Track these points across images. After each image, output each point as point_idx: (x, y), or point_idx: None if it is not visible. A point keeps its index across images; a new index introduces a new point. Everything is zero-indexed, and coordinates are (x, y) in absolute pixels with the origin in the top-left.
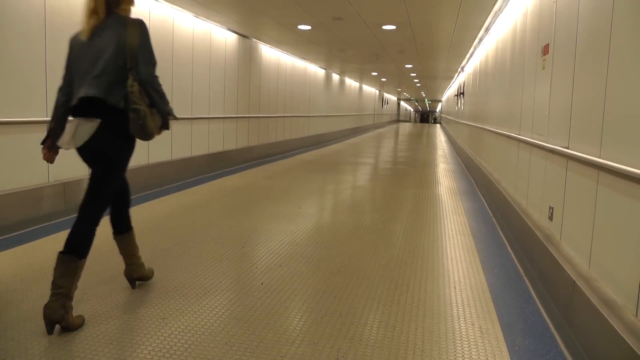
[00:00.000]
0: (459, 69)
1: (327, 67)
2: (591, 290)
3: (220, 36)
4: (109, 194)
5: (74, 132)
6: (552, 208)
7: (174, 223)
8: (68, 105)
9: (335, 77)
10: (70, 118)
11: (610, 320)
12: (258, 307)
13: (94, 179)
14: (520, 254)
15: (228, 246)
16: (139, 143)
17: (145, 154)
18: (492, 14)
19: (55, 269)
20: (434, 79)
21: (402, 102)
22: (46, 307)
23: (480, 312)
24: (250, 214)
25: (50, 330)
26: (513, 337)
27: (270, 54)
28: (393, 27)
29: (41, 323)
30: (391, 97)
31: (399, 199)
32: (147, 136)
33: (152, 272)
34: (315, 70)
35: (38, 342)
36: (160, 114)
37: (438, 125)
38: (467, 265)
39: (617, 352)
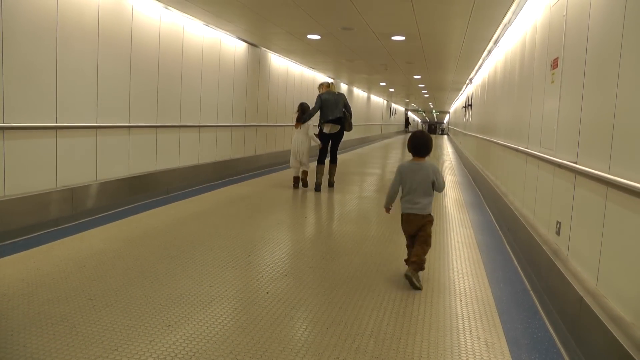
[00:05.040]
0: (467, 81)
1: (336, 76)
2: (599, 306)
3: (230, 44)
4: (338, 148)
5: (331, 127)
6: (560, 223)
7: (181, 230)
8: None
9: (344, 86)
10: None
11: (618, 338)
12: (263, 316)
13: (334, 146)
14: (527, 268)
15: (234, 255)
16: (149, 153)
17: (152, 160)
18: (501, 26)
19: (317, 173)
20: (442, 90)
21: (409, 113)
22: (316, 184)
23: (486, 326)
24: (256, 222)
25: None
26: (519, 352)
27: (279, 63)
28: (402, 37)
29: (46, 327)
30: (399, 108)
31: None
32: (350, 129)
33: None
34: (324, 80)
35: (44, 347)
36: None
37: (445, 136)
38: (473, 278)
39: None
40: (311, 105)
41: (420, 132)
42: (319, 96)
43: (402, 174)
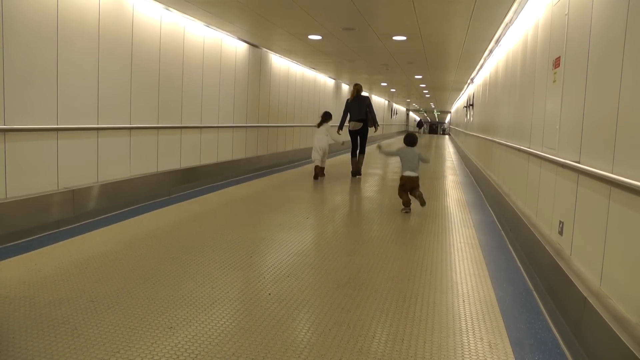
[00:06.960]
0: (469, 81)
1: (337, 77)
2: (602, 306)
3: (231, 45)
4: (366, 142)
5: (355, 125)
6: (563, 222)
7: (182, 232)
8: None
9: (345, 87)
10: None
11: (622, 338)
12: (266, 317)
13: (361, 140)
14: (530, 268)
15: (236, 256)
16: (151, 155)
17: (154, 162)
18: (502, 25)
19: (352, 163)
20: (444, 90)
21: (410, 113)
22: (353, 171)
23: (489, 327)
24: (258, 223)
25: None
26: (522, 352)
27: (280, 64)
28: (403, 38)
29: (48, 329)
30: (400, 108)
31: None
32: (372, 126)
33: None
34: (324, 80)
35: (45, 349)
36: (375, 121)
37: (447, 136)
38: (475, 278)
39: None
40: (332, 111)
41: (411, 133)
42: (347, 101)
43: (401, 152)
